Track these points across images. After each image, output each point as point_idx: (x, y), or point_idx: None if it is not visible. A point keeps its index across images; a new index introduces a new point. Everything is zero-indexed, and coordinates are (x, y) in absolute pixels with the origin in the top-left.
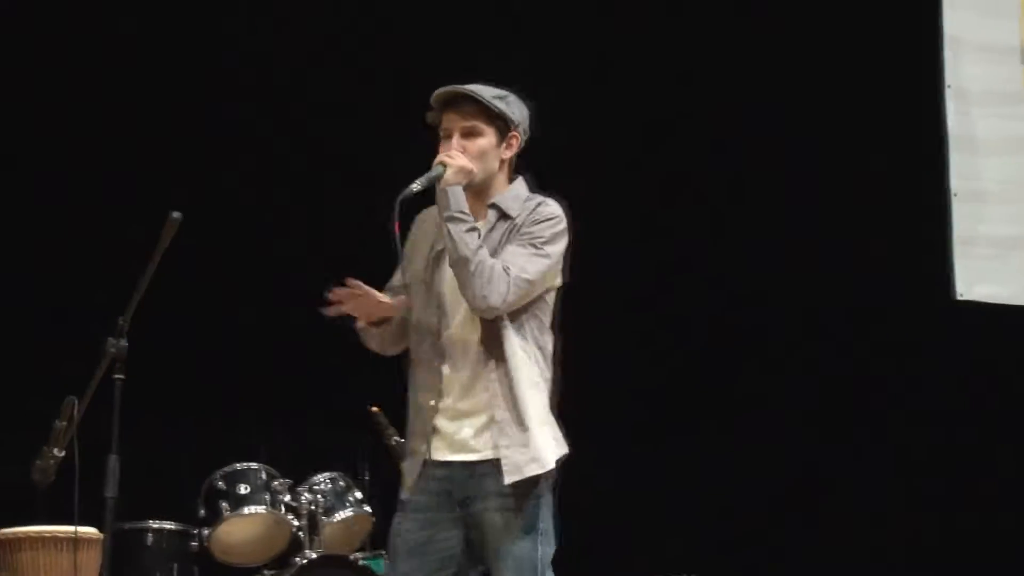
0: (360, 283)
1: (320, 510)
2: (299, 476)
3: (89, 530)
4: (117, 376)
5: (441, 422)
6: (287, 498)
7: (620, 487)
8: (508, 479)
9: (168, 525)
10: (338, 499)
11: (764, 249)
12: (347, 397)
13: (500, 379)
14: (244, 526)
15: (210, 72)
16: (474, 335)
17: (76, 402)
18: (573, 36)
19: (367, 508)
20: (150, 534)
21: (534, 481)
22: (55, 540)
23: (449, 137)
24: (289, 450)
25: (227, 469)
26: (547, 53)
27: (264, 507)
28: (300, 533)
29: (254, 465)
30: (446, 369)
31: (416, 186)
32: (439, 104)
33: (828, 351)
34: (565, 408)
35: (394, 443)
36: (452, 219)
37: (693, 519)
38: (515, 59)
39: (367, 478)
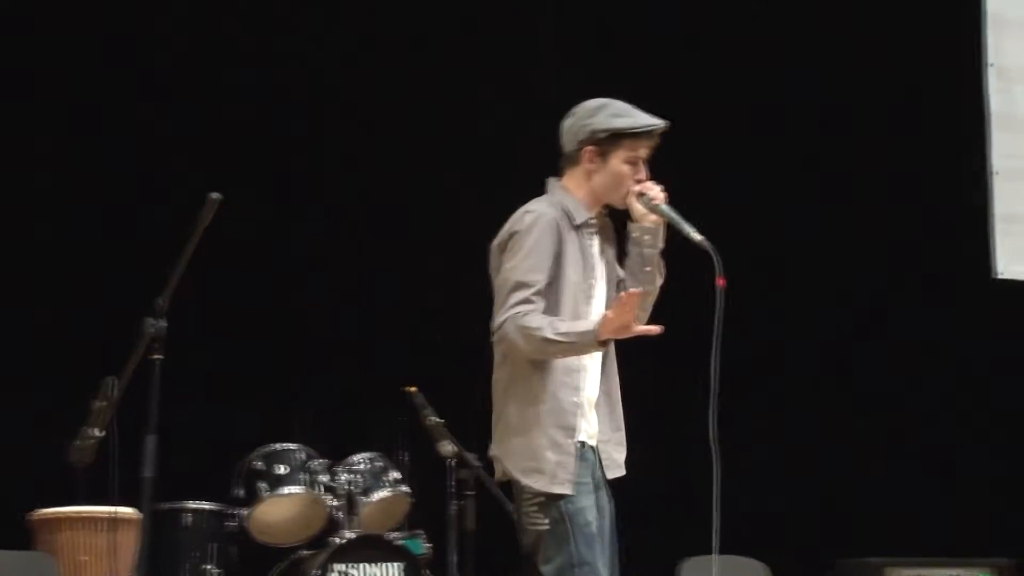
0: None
1: (358, 490)
2: (337, 456)
3: (127, 510)
4: (155, 356)
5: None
6: (325, 478)
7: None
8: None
9: (206, 505)
10: (375, 479)
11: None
12: (385, 376)
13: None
14: (282, 506)
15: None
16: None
17: (115, 382)
18: None
19: (405, 488)
20: (188, 514)
21: None
22: (94, 520)
23: (636, 164)
24: (327, 430)
25: (265, 449)
26: None
27: (302, 487)
28: (338, 513)
29: (292, 445)
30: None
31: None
32: (642, 132)
33: (866, 329)
34: None
35: (431, 423)
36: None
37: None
38: None
39: (405, 458)
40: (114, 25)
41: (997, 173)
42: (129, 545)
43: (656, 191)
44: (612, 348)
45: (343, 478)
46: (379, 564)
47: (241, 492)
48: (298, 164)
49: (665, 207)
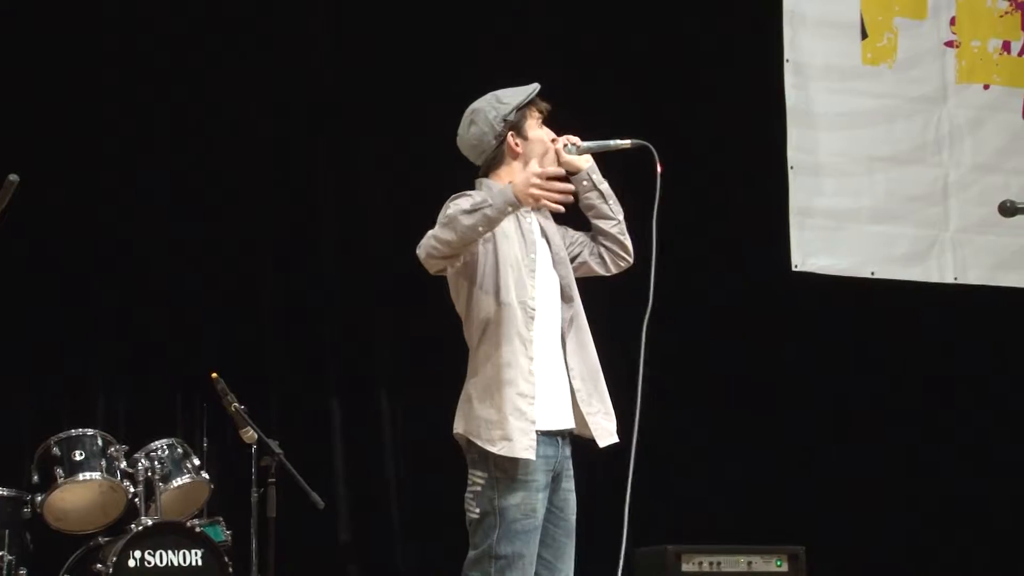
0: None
1: (157, 476)
2: (136, 442)
3: None
4: None
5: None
6: (123, 464)
7: None
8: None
9: None
10: (175, 465)
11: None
12: (186, 363)
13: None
14: (79, 492)
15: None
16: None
17: None
18: None
19: (205, 475)
20: None
21: None
22: None
23: (543, 127)
24: (127, 417)
25: (62, 435)
26: None
27: (99, 473)
28: (136, 500)
29: (90, 431)
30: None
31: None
32: (535, 96)
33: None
34: None
35: (233, 409)
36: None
37: None
38: None
39: (205, 445)
40: None
41: (792, 168)
42: None
43: (570, 136)
44: (581, 321)
45: (142, 464)
46: (178, 551)
47: (37, 478)
48: (116, 156)
49: (587, 143)
